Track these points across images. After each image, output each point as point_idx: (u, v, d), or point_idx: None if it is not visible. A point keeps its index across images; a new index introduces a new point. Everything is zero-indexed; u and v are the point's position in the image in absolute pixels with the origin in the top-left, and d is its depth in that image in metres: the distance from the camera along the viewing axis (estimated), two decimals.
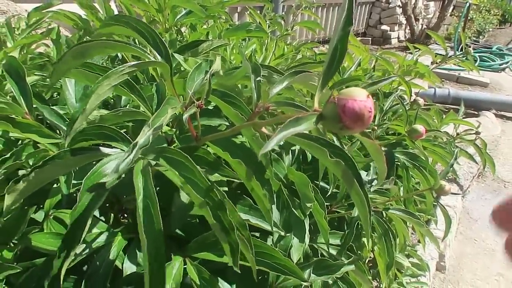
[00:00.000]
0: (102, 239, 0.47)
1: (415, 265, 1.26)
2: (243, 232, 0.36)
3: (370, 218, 0.29)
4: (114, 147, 0.42)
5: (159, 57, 0.37)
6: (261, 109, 0.35)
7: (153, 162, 0.36)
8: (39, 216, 0.57)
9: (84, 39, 0.88)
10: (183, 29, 1.21)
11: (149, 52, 0.37)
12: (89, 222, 0.33)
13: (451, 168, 1.12)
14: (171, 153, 0.36)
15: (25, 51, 1.00)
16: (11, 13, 1.91)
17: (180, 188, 0.39)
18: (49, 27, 1.11)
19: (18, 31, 1.05)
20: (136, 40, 0.54)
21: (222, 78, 0.46)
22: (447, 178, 2.22)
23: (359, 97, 0.26)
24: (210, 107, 0.61)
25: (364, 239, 0.95)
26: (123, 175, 0.33)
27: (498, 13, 9.16)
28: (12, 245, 0.53)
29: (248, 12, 1.50)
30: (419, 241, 1.45)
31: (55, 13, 1.07)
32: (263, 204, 0.46)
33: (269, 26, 1.49)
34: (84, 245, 0.45)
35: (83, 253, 0.43)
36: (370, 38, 6.25)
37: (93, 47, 0.33)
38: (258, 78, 0.37)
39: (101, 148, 0.38)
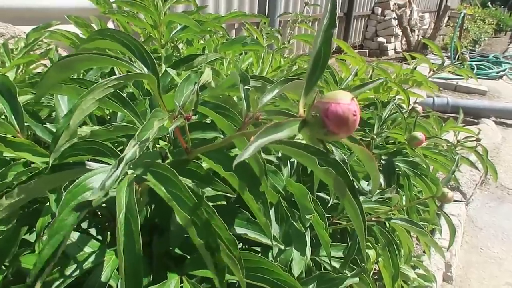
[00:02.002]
0: (93, 259, 0.45)
1: (421, 276, 1.23)
2: (233, 251, 0.34)
3: (365, 229, 0.28)
4: (105, 163, 0.41)
5: (146, 69, 0.37)
6: (251, 119, 0.34)
7: (144, 177, 0.35)
8: (32, 237, 0.56)
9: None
10: (180, 46, 1.22)
11: (135, 65, 0.36)
12: (67, 238, 0.32)
13: (453, 176, 1.11)
14: (158, 168, 0.35)
15: (23, 71, 1.01)
16: (10, 35, 1.92)
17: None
18: (48, 47, 1.11)
19: (16, 52, 1.06)
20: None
21: (213, 90, 0.46)
22: (449, 186, 2.20)
23: (343, 100, 0.25)
24: (204, 120, 0.61)
25: (368, 251, 0.93)
26: (113, 188, 0.32)
27: (492, 22, 9.26)
28: (4, 267, 0.51)
29: (245, 27, 1.51)
30: (424, 252, 1.42)
31: (53, 33, 1.08)
32: (261, 218, 0.45)
33: (265, 40, 1.50)
34: (75, 265, 0.44)
35: (74, 274, 0.42)
36: (367, 51, 6.29)
37: (77, 61, 0.32)
38: (247, 87, 0.36)
39: (88, 163, 0.37)
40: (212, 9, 3.48)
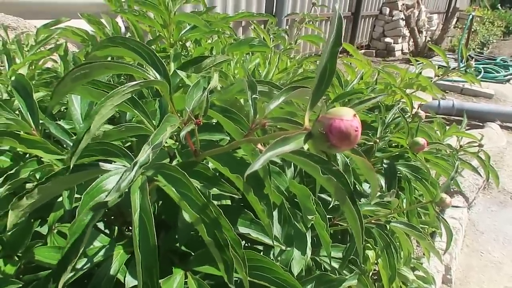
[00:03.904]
0: (103, 253, 0.47)
1: (421, 278, 1.24)
2: (237, 250, 0.36)
3: (362, 234, 0.29)
4: (116, 163, 0.43)
5: (158, 75, 0.39)
6: (257, 126, 0.35)
7: (154, 178, 0.37)
8: (44, 229, 0.58)
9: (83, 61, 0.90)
10: (188, 44, 1.23)
11: (148, 72, 0.38)
12: (87, 237, 0.34)
13: (454, 180, 1.12)
14: (169, 170, 0.37)
15: (33, 67, 1.03)
16: (21, 29, 1.95)
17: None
18: (58, 43, 1.13)
19: (27, 48, 1.08)
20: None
21: (220, 93, 0.47)
22: (452, 190, 2.21)
23: (346, 117, 0.27)
24: (212, 122, 0.62)
25: (368, 252, 0.95)
26: (126, 189, 0.34)
27: (501, 25, 9.19)
28: (17, 258, 0.54)
29: (252, 27, 1.53)
30: (424, 254, 1.43)
31: (63, 30, 1.10)
32: (264, 219, 0.47)
33: (272, 40, 1.51)
34: (86, 259, 0.46)
35: (84, 267, 0.44)
36: (374, 51, 6.28)
37: (94, 68, 0.34)
38: (254, 96, 0.38)
39: (102, 164, 0.39)
40: (220, 9, 3.49)
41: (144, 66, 0.40)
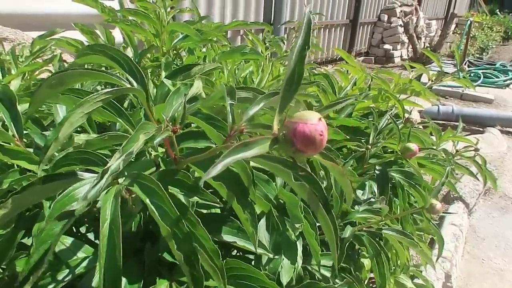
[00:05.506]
0: (86, 264, 0.47)
1: (420, 287, 1.22)
2: (216, 261, 0.36)
3: (337, 242, 0.29)
4: (97, 172, 0.43)
5: (135, 83, 0.38)
6: (235, 132, 0.35)
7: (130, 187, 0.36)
8: (29, 241, 0.57)
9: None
10: (183, 54, 1.24)
11: (125, 80, 0.37)
12: (54, 248, 0.33)
13: (451, 186, 1.11)
14: (144, 179, 0.36)
15: (28, 77, 1.03)
16: (19, 41, 1.96)
17: None
18: (53, 54, 1.14)
19: (22, 59, 1.09)
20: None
21: (205, 101, 0.47)
22: (452, 196, 2.19)
23: (310, 121, 0.26)
24: (199, 130, 0.62)
25: (363, 259, 0.94)
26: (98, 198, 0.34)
27: (500, 30, 9.22)
28: (1, 270, 0.53)
29: (247, 36, 1.53)
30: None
31: (58, 40, 1.11)
32: (248, 227, 0.46)
33: (267, 48, 1.51)
34: (68, 270, 0.45)
35: (66, 279, 0.43)
36: (373, 58, 6.30)
37: (69, 76, 0.34)
38: (231, 102, 0.38)
39: (80, 173, 0.39)
40: (218, 18, 3.52)
41: (121, 73, 0.40)
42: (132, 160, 0.58)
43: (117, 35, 1.20)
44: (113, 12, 1.11)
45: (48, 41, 1.11)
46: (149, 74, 1.09)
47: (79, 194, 0.35)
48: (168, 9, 1.05)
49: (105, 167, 0.31)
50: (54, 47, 1.16)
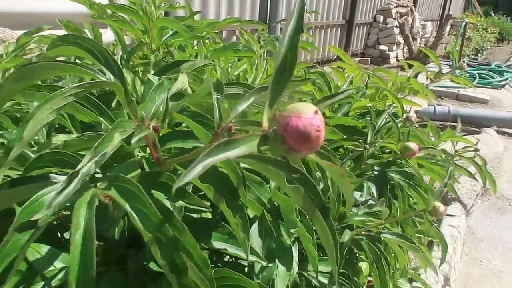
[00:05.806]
0: (63, 275, 0.43)
1: None
2: (204, 270, 0.32)
3: (336, 251, 0.25)
4: None
5: (112, 77, 0.34)
6: (223, 130, 0.31)
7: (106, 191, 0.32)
8: None
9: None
10: (175, 52, 1.20)
11: (100, 73, 0.34)
12: (20, 260, 0.29)
13: (450, 187, 1.08)
14: (123, 182, 0.32)
15: None
16: (8, 40, 1.91)
17: None
18: (40, 52, 1.10)
19: (6, 56, 1.05)
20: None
21: (191, 97, 0.43)
22: (450, 197, 2.16)
23: (305, 114, 0.22)
24: (187, 129, 0.58)
25: (361, 264, 0.91)
26: (68, 204, 0.30)
27: (495, 31, 9.26)
28: None
29: (241, 34, 1.50)
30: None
31: (43, 37, 1.07)
32: (238, 233, 0.42)
33: (262, 47, 1.48)
34: (43, 282, 0.41)
35: None
36: (369, 58, 6.28)
37: (39, 69, 0.30)
38: (218, 96, 0.34)
39: (53, 176, 0.35)
40: (213, 15, 3.49)
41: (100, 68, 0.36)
42: (114, 164, 0.54)
43: (111, 34, 1.16)
44: (102, 8, 1.07)
45: (33, 38, 1.07)
46: (140, 72, 1.05)
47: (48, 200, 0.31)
48: (161, 5, 1.02)
49: (74, 170, 0.27)
50: (42, 44, 1.12)
